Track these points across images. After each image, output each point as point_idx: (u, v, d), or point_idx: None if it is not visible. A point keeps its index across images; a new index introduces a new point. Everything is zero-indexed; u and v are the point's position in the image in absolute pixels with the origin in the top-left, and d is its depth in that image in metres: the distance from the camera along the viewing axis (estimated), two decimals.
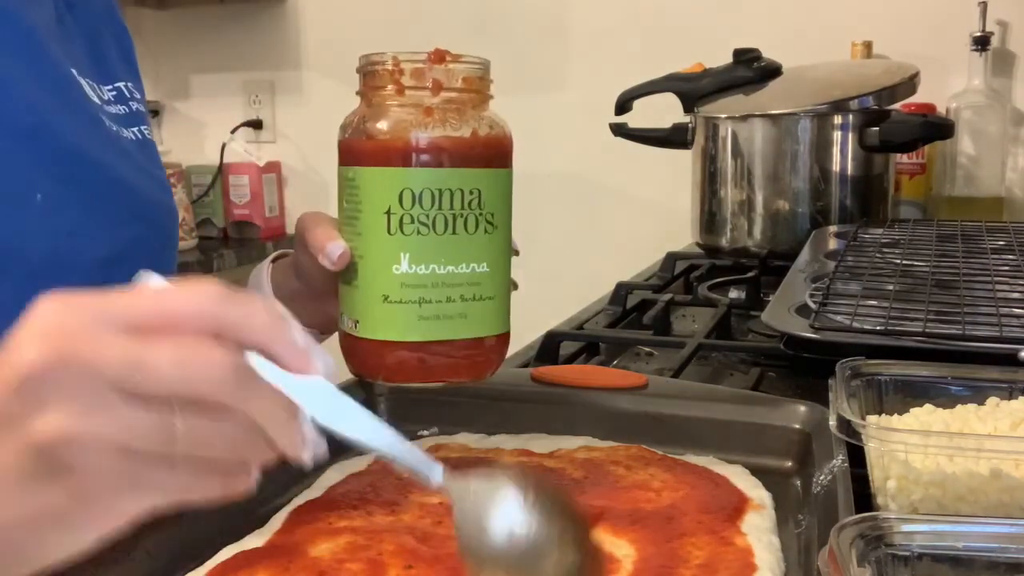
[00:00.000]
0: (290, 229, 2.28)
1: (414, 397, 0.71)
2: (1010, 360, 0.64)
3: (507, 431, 0.69)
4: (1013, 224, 1.17)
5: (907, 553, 0.42)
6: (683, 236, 1.50)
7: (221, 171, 2.22)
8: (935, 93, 1.55)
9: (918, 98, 1.39)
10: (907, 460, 0.50)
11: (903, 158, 1.57)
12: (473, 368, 0.60)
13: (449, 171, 0.57)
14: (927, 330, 0.70)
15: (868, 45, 1.62)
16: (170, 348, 0.36)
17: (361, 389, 0.72)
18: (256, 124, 2.26)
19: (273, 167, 2.25)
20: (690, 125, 1.40)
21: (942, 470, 0.50)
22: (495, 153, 0.59)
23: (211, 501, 0.39)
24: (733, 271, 1.31)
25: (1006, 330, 0.69)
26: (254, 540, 0.53)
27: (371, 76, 0.58)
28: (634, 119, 1.46)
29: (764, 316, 0.80)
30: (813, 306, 0.77)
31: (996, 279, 0.86)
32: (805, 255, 1.06)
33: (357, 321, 0.59)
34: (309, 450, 0.40)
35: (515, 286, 0.63)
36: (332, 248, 0.59)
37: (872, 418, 0.56)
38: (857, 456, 0.52)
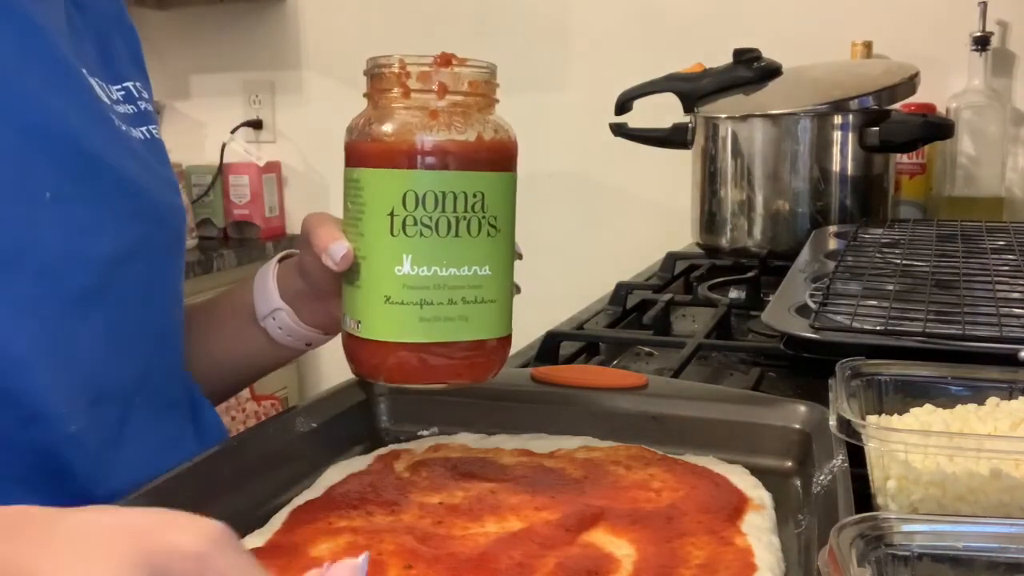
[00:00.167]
0: (290, 229, 2.28)
1: (414, 397, 0.71)
2: (1010, 360, 0.64)
3: (507, 431, 0.69)
4: (1013, 224, 1.17)
5: (907, 553, 0.42)
6: (683, 236, 1.50)
7: (221, 171, 2.22)
8: (935, 93, 1.55)
9: (918, 98, 1.39)
10: (907, 460, 0.50)
11: (903, 158, 1.57)
12: (474, 370, 0.60)
13: (453, 174, 0.57)
14: (927, 330, 0.70)
15: (868, 45, 1.62)
16: None
17: (362, 389, 0.72)
18: (256, 124, 2.26)
19: (273, 167, 2.24)
20: (690, 125, 1.40)
21: (942, 470, 0.50)
22: (499, 157, 0.59)
23: None
24: (733, 271, 1.31)
25: (1006, 330, 0.69)
26: (254, 540, 0.53)
27: (378, 79, 0.58)
28: (634, 119, 1.46)
29: (764, 316, 0.80)
30: (813, 306, 0.77)
31: (996, 279, 0.86)
32: (805, 255, 1.06)
33: (359, 322, 0.59)
34: None
35: (518, 290, 0.63)
36: (335, 248, 0.59)
37: (872, 418, 0.56)
38: (857, 456, 0.52)
